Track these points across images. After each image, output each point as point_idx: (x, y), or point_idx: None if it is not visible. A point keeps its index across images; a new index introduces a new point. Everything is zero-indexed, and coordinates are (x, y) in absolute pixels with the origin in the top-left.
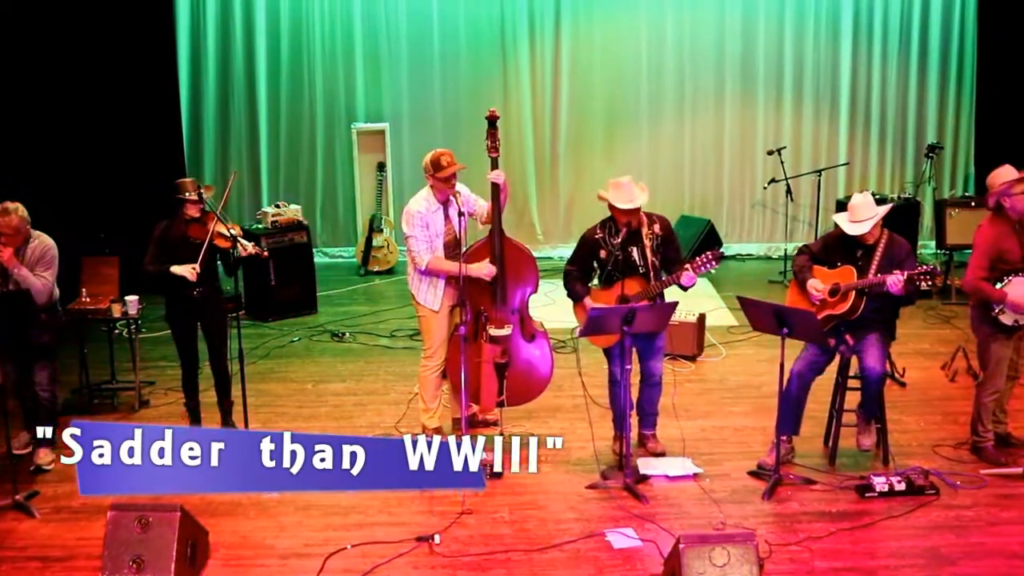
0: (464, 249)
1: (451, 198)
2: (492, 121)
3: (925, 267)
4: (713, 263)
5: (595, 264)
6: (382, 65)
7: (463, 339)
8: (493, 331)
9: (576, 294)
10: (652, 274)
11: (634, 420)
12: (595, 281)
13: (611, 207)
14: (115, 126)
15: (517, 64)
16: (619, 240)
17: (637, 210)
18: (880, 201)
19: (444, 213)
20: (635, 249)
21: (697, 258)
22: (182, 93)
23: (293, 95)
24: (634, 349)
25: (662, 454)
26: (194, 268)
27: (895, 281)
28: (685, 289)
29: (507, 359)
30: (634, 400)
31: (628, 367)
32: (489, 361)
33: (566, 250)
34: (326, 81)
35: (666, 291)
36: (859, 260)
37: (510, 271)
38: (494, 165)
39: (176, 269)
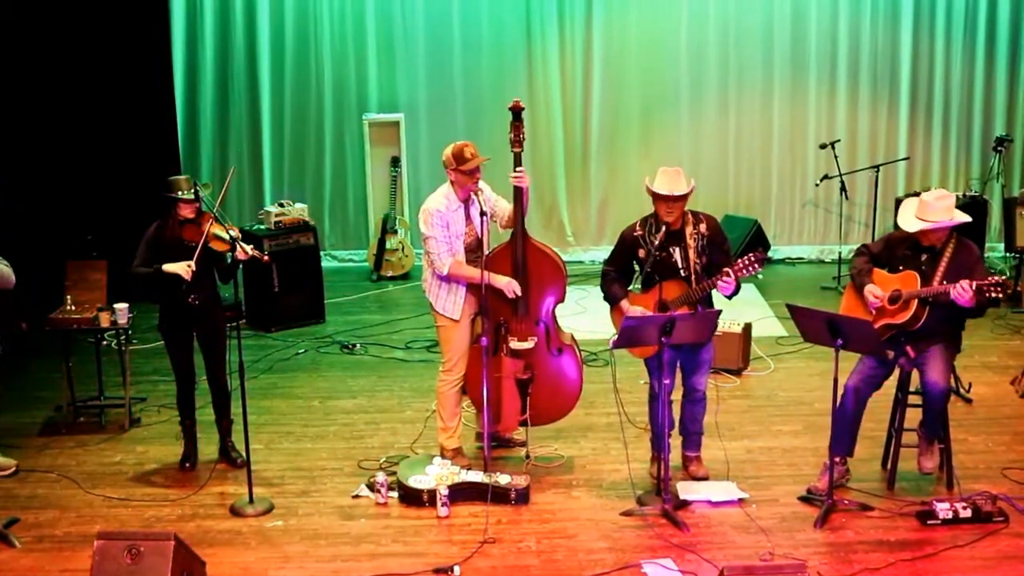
0: (487, 252)
1: (473, 196)
2: (516, 113)
3: (995, 277)
4: (755, 266)
5: (635, 265)
6: (396, 50)
7: (484, 351)
8: (514, 344)
9: (613, 297)
10: (694, 278)
11: (675, 441)
12: (638, 285)
13: (654, 199)
14: (103, 116)
15: (544, 49)
16: (658, 239)
17: (680, 206)
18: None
19: (465, 212)
20: (677, 250)
21: (738, 261)
22: (177, 80)
23: (299, 83)
24: (677, 361)
25: (705, 478)
26: (189, 265)
27: (962, 292)
28: (729, 297)
29: (530, 375)
30: (675, 418)
31: (667, 382)
32: (510, 376)
33: (599, 253)
34: (335, 67)
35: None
36: (923, 265)
37: (533, 279)
38: (517, 162)
39: (169, 267)
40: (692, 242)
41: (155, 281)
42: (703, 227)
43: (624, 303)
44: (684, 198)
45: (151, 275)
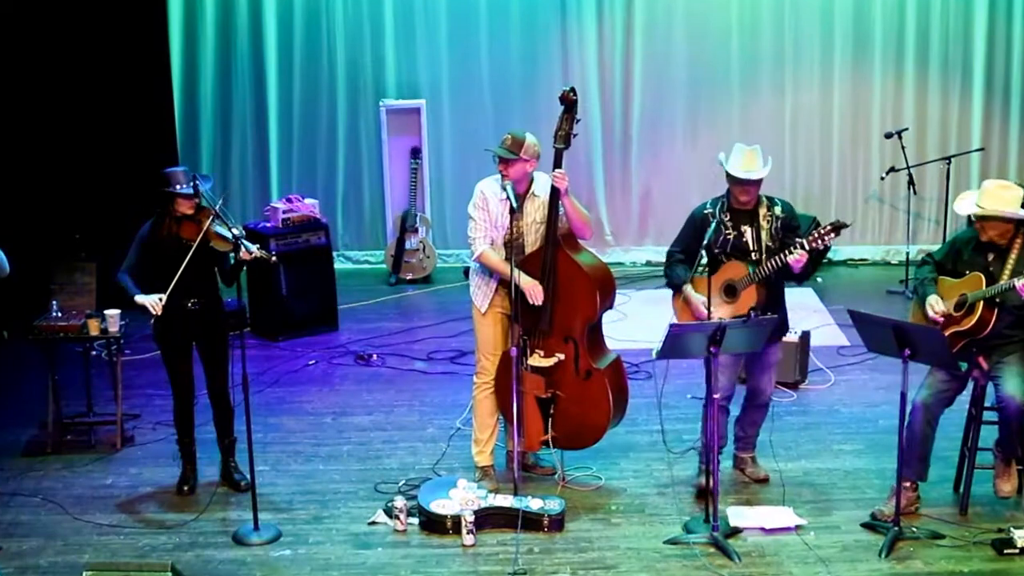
0: (525, 252)
1: (507, 189)
2: (568, 104)
3: None
4: (831, 235)
5: (702, 247)
6: (417, 29)
7: (515, 361)
8: (535, 360)
9: (677, 279)
10: (764, 260)
11: (725, 460)
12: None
13: (728, 178)
14: (92, 104)
15: (581, 26)
16: (729, 218)
17: (756, 187)
18: None
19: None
20: (749, 230)
21: (812, 232)
22: (174, 63)
23: (309, 65)
24: (741, 361)
25: (765, 480)
26: (160, 299)
27: None
28: (798, 277)
29: (551, 394)
30: (727, 434)
31: (716, 396)
32: (531, 393)
33: (640, 253)
34: (349, 48)
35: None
36: (990, 265)
37: (562, 292)
38: (557, 160)
39: (140, 299)
40: (766, 223)
41: (132, 295)
42: (778, 210)
43: (687, 288)
44: (761, 180)
45: (127, 291)
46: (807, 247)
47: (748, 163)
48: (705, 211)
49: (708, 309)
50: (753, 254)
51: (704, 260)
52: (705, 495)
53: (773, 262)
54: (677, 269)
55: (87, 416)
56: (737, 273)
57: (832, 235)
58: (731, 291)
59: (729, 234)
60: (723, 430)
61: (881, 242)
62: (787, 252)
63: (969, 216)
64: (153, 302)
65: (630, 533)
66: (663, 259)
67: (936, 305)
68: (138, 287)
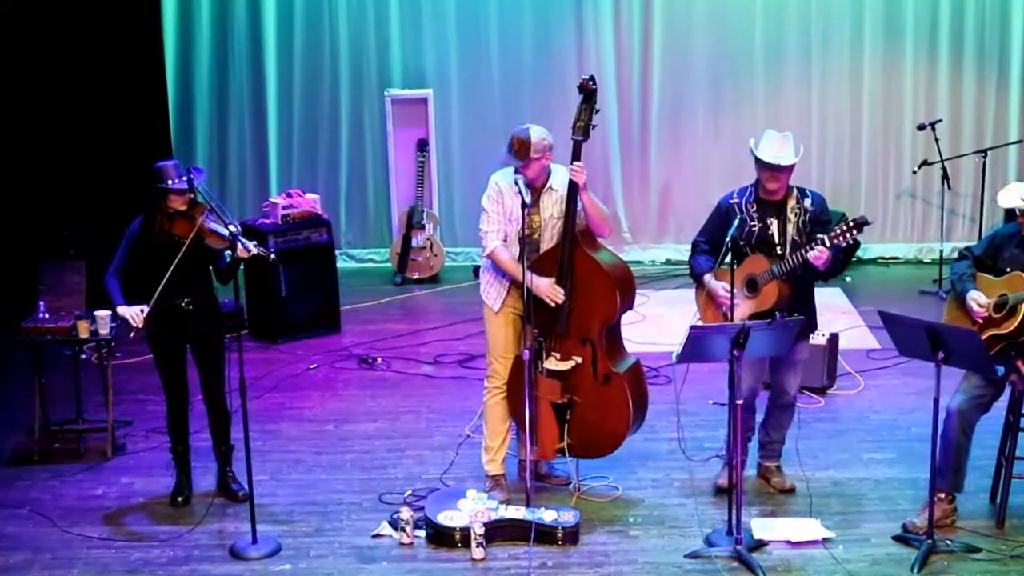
0: (539, 251)
1: (519, 184)
2: (587, 94)
3: None
4: (852, 233)
5: (726, 241)
6: (424, 15)
7: (527, 365)
8: (551, 364)
9: (699, 270)
10: (789, 253)
11: (748, 470)
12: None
13: (756, 163)
14: (80, 94)
15: (596, 11)
16: (756, 209)
17: (786, 174)
18: None
19: (530, 199)
20: (775, 222)
21: (834, 228)
22: (167, 52)
23: (310, 53)
24: (767, 360)
25: (791, 490)
26: (142, 311)
27: None
28: (821, 275)
29: (567, 399)
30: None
31: (739, 402)
32: (546, 399)
33: (659, 251)
34: (352, 35)
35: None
36: None
37: (579, 293)
38: (576, 153)
39: (122, 311)
40: (793, 216)
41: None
42: (808, 202)
43: (708, 276)
44: (791, 167)
45: (111, 298)
46: (828, 244)
47: (779, 149)
48: (731, 201)
49: (731, 295)
50: (778, 248)
51: (728, 258)
52: (723, 494)
53: (794, 258)
54: (700, 259)
55: (76, 423)
56: (758, 267)
57: (854, 232)
58: (752, 286)
59: (754, 226)
60: (750, 423)
61: (913, 240)
62: (807, 248)
63: (1010, 210)
64: (134, 314)
65: (649, 546)
66: (683, 257)
67: (979, 299)
68: (124, 296)
